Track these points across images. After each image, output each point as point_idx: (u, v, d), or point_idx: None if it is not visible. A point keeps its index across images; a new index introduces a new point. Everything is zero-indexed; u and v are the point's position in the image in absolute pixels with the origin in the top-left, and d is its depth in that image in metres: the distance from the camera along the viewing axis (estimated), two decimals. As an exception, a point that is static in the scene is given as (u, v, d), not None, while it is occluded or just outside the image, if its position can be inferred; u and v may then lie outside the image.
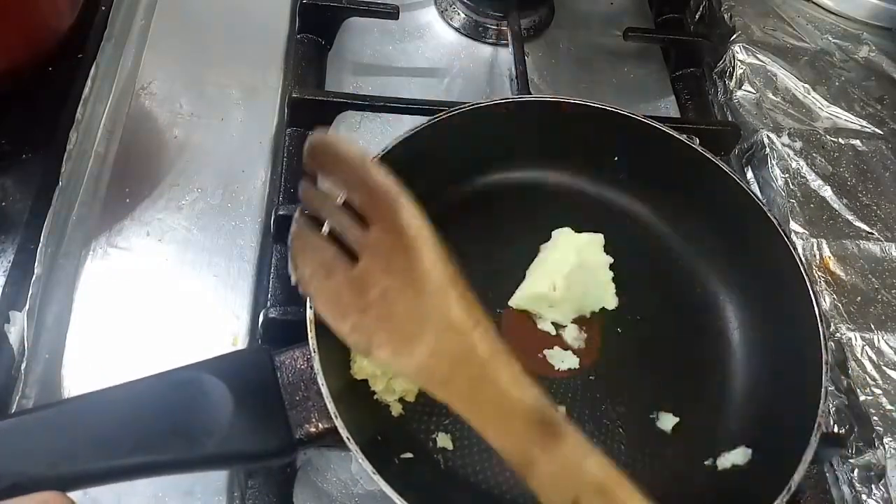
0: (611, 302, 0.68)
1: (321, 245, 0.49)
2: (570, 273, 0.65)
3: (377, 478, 0.49)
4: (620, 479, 0.41)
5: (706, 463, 0.61)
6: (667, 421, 0.62)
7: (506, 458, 0.43)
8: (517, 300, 0.67)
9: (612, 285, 0.68)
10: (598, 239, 0.68)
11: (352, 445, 0.50)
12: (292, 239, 0.51)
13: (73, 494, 0.55)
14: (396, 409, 0.60)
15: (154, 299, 0.66)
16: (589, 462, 0.41)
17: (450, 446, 0.59)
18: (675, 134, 0.71)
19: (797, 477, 0.54)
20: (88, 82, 0.73)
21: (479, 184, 0.74)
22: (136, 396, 0.50)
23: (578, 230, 0.70)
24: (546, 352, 0.65)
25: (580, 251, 0.66)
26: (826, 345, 0.60)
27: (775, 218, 0.67)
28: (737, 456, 0.60)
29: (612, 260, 0.68)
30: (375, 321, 0.46)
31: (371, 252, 0.47)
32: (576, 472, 0.40)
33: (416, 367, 0.45)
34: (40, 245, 0.63)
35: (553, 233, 0.69)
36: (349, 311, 0.48)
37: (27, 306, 0.60)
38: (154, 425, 0.48)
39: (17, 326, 0.59)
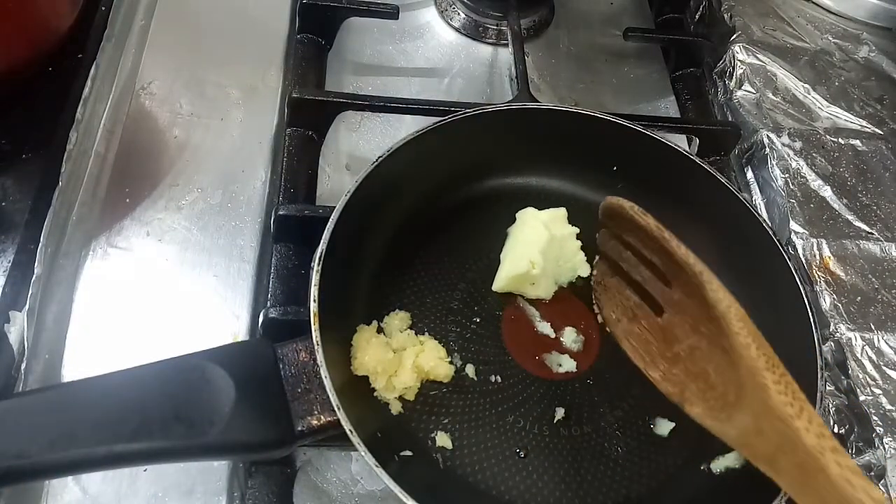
0: (584, 269, 0.69)
1: (624, 291, 0.52)
2: (545, 248, 0.66)
3: (379, 471, 0.50)
4: None
5: (702, 468, 0.61)
6: (663, 426, 0.63)
7: None
8: (500, 283, 0.68)
9: (582, 253, 0.69)
10: (562, 212, 0.70)
11: (354, 438, 0.50)
12: (595, 282, 0.56)
13: (72, 492, 0.55)
14: (396, 408, 0.60)
15: (154, 299, 0.66)
16: None
17: (449, 445, 0.59)
18: (672, 144, 0.72)
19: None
20: (88, 82, 0.73)
21: (478, 189, 0.74)
22: (138, 381, 0.50)
23: (578, 236, 0.70)
24: (544, 355, 0.66)
25: (548, 226, 0.67)
26: (820, 349, 0.60)
27: (769, 227, 0.67)
28: (730, 459, 0.60)
29: (577, 230, 0.69)
30: (686, 376, 0.48)
31: (677, 309, 0.49)
32: None
33: (737, 438, 0.46)
34: (40, 245, 0.63)
35: (517, 214, 0.70)
36: (658, 360, 0.51)
37: (27, 306, 0.60)
38: (156, 411, 0.48)
39: (17, 326, 0.59)
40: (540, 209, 0.71)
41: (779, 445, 0.43)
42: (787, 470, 0.43)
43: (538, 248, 0.66)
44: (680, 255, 0.49)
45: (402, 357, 0.60)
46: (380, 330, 0.63)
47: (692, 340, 0.48)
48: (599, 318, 0.67)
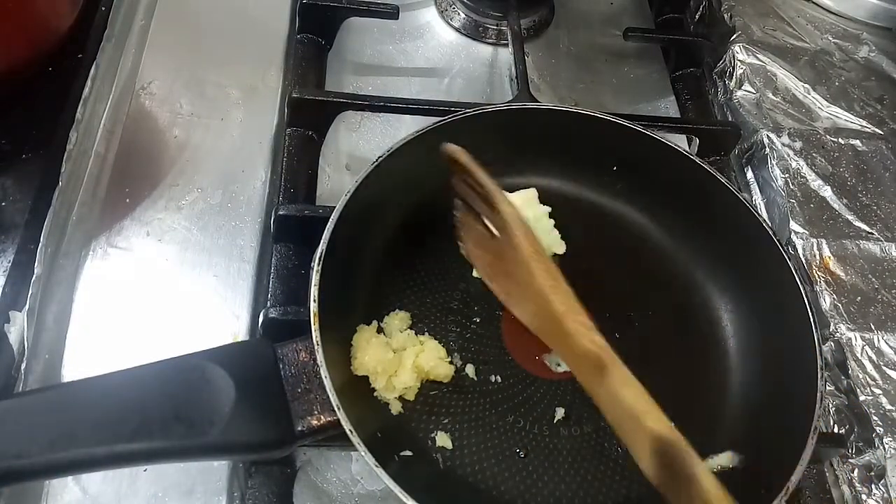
0: (559, 247, 0.70)
1: (474, 226, 0.63)
2: None
3: (379, 471, 0.50)
4: (649, 405, 0.51)
5: None
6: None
7: (581, 383, 0.55)
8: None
9: (556, 231, 0.70)
10: (532, 193, 0.70)
11: (354, 438, 0.50)
12: (457, 220, 0.65)
13: (72, 492, 0.55)
14: (396, 408, 0.60)
15: (154, 299, 0.66)
16: (624, 391, 0.51)
17: (449, 445, 0.59)
18: (672, 144, 0.72)
19: (795, 478, 0.54)
20: (88, 82, 0.73)
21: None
22: (138, 381, 0.50)
23: (577, 240, 0.70)
24: (544, 355, 0.65)
25: (521, 209, 0.67)
26: (820, 349, 0.60)
27: (769, 227, 0.67)
28: (723, 459, 0.60)
29: (549, 209, 0.69)
30: (510, 283, 0.61)
31: (501, 230, 0.60)
32: (616, 396, 0.51)
33: (531, 323, 0.59)
34: (40, 245, 0.63)
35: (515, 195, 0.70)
36: (498, 275, 0.62)
37: (27, 306, 0.60)
38: (156, 411, 0.48)
39: (17, 326, 0.59)
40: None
41: (545, 317, 0.56)
42: (555, 337, 0.56)
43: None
44: (480, 180, 0.59)
45: (402, 357, 0.60)
46: (380, 330, 0.63)
47: (510, 253, 0.59)
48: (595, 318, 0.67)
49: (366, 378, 0.59)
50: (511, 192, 0.74)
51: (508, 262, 0.59)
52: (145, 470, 0.57)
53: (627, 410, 0.51)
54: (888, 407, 0.66)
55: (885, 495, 0.63)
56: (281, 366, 0.54)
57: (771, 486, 0.54)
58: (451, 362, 0.63)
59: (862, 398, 0.67)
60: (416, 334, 0.63)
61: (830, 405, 0.68)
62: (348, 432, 0.51)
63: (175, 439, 0.48)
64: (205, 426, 0.48)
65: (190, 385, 0.50)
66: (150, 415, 0.48)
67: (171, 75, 0.80)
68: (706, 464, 0.60)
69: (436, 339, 0.64)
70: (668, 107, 0.93)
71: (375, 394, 0.60)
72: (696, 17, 1.02)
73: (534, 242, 0.58)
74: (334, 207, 0.61)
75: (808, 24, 1.00)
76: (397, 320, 0.64)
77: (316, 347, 0.53)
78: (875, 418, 0.65)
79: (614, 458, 0.61)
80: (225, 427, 0.48)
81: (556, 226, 0.72)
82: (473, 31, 0.95)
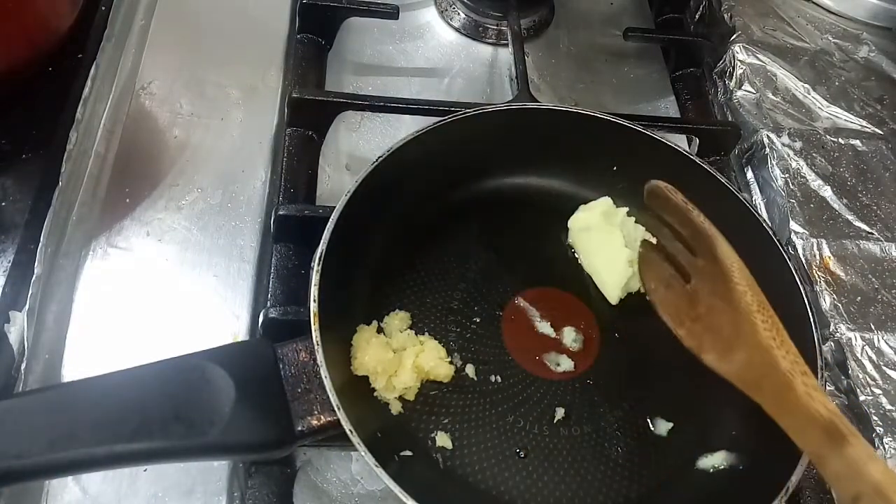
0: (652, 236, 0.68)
1: (661, 265, 0.63)
2: (626, 242, 0.68)
3: (379, 471, 0.50)
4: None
5: (700, 467, 0.61)
6: (662, 426, 0.63)
7: (804, 450, 0.52)
8: (617, 294, 0.69)
9: (639, 226, 0.70)
10: (607, 202, 0.71)
11: (354, 438, 0.50)
12: (640, 258, 0.66)
13: (72, 492, 0.55)
14: (396, 408, 0.60)
15: (154, 299, 0.66)
16: (870, 466, 0.45)
17: (449, 445, 0.59)
18: (672, 144, 0.71)
19: (795, 478, 0.54)
20: (88, 82, 0.73)
21: (479, 188, 0.74)
22: (138, 381, 0.50)
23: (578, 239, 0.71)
24: (543, 355, 0.66)
25: (609, 220, 0.70)
26: (820, 349, 0.60)
27: (769, 227, 0.67)
28: (716, 459, 0.61)
29: (626, 209, 0.71)
30: (704, 330, 0.58)
31: (700, 276, 0.59)
32: (859, 472, 0.45)
33: (735, 374, 0.55)
34: (40, 245, 0.63)
35: (570, 223, 0.72)
36: (685, 320, 0.60)
37: (27, 306, 0.60)
38: (156, 411, 0.48)
39: (17, 326, 0.59)
40: (544, 210, 0.72)
41: (763, 373, 0.52)
42: (769, 392, 0.52)
43: (621, 245, 0.68)
44: (698, 223, 0.58)
45: (402, 357, 0.60)
46: (380, 330, 0.63)
47: (711, 301, 0.57)
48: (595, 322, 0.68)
49: (366, 378, 0.59)
50: (510, 192, 0.75)
51: (709, 311, 0.57)
52: (145, 470, 0.57)
53: (873, 486, 0.45)
54: (888, 407, 0.66)
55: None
56: (281, 366, 0.54)
57: (771, 486, 0.54)
58: (451, 362, 0.63)
59: (862, 398, 0.67)
60: (416, 334, 0.63)
61: (830, 405, 0.68)
62: (348, 432, 0.51)
63: (175, 439, 0.48)
64: (205, 426, 0.48)
65: (190, 385, 0.50)
66: (150, 415, 0.48)
67: (171, 75, 0.80)
68: (699, 462, 0.61)
69: (436, 339, 0.64)
70: (668, 107, 0.93)
71: (375, 394, 0.60)
72: (696, 17, 1.02)
73: (758, 293, 0.55)
74: (334, 207, 0.61)
75: (808, 24, 1.00)
76: (397, 320, 0.64)
77: (316, 347, 0.53)
78: (875, 418, 0.65)
79: (614, 458, 0.61)
80: (225, 427, 0.48)
81: (555, 226, 0.72)
82: (473, 31, 0.95)
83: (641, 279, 0.65)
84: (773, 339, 0.52)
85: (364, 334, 0.61)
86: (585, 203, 0.73)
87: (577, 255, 0.72)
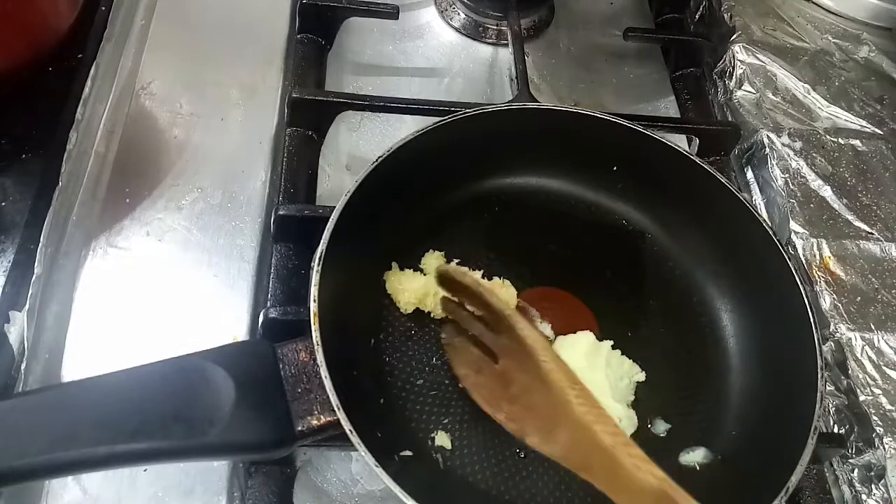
0: (640, 374, 0.64)
1: (468, 349, 0.60)
2: (610, 391, 0.61)
3: (379, 471, 0.50)
4: None
5: (699, 467, 0.61)
6: (661, 426, 0.63)
7: None
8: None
9: (626, 359, 0.64)
10: (588, 337, 0.64)
11: (354, 438, 0.50)
12: (444, 344, 0.62)
13: (72, 492, 0.55)
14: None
15: (154, 299, 0.66)
16: None
17: (448, 445, 0.59)
18: (672, 144, 0.71)
19: (794, 479, 0.54)
20: (88, 82, 0.73)
21: (479, 188, 0.74)
22: (138, 381, 0.50)
23: (577, 240, 0.71)
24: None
25: (592, 363, 0.62)
26: (820, 349, 0.60)
27: (769, 227, 0.67)
28: (697, 456, 0.61)
29: (610, 342, 0.64)
30: (523, 411, 0.55)
31: (506, 354, 0.57)
32: None
33: (562, 455, 0.53)
34: (40, 245, 0.63)
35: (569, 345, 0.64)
36: (501, 403, 0.57)
37: (27, 306, 0.60)
38: (156, 411, 0.48)
39: (17, 326, 0.59)
40: (544, 210, 0.72)
41: (588, 451, 0.50)
42: (598, 470, 0.50)
43: (607, 394, 0.60)
44: (493, 304, 0.57)
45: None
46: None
47: (523, 379, 0.55)
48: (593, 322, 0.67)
49: (366, 376, 0.59)
50: (510, 192, 0.75)
51: (524, 390, 0.55)
52: (145, 470, 0.57)
53: None
54: (888, 407, 0.66)
55: (885, 495, 0.63)
56: (281, 366, 0.53)
57: (771, 486, 0.54)
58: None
59: (862, 398, 0.67)
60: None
61: (830, 405, 0.68)
62: (348, 432, 0.51)
63: (175, 439, 0.48)
64: (205, 426, 0.48)
65: (190, 385, 0.50)
66: (150, 415, 0.48)
67: (171, 75, 0.80)
68: (680, 458, 0.61)
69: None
70: (668, 107, 0.93)
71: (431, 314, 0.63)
72: (696, 17, 1.02)
73: (565, 368, 0.53)
74: (334, 207, 0.61)
75: (808, 24, 1.00)
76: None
77: (316, 347, 0.53)
78: (875, 418, 0.65)
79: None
80: (225, 427, 0.48)
81: (555, 226, 0.72)
82: (473, 31, 0.95)
83: (450, 367, 0.62)
84: (590, 414, 0.50)
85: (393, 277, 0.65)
86: (584, 202, 0.72)
87: None
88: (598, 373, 0.61)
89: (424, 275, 0.67)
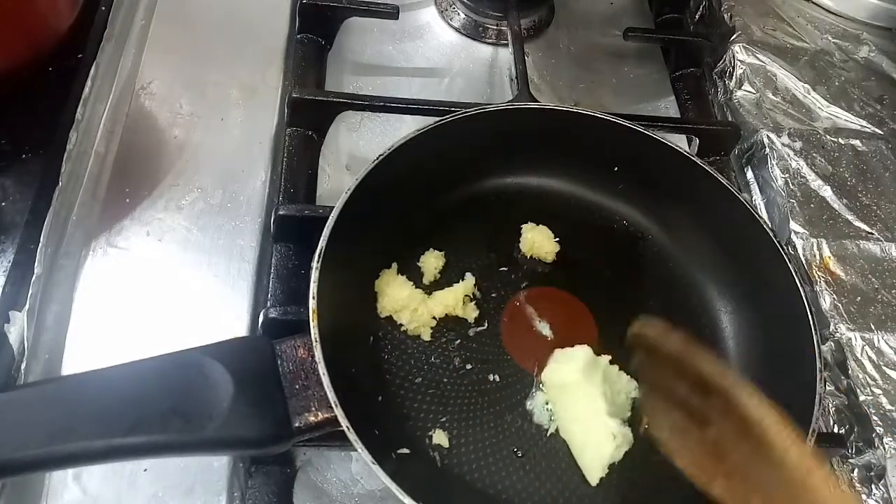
0: (635, 390, 0.63)
1: (670, 409, 0.53)
2: (608, 409, 0.59)
3: (376, 468, 0.50)
4: None
5: None
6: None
7: None
8: (599, 475, 0.59)
9: (623, 374, 0.63)
10: (585, 352, 0.62)
11: (352, 436, 0.50)
12: (642, 404, 0.58)
13: (72, 491, 0.55)
14: (427, 335, 0.64)
15: (154, 299, 0.66)
16: None
17: (446, 444, 0.59)
18: (672, 144, 0.71)
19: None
20: (88, 82, 0.73)
21: (479, 188, 0.74)
22: (136, 376, 0.50)
23: (577, 240, 0.71)
24: (542, 354, 0.65)
25: (588, 377, 0.60)
26: (820, 349, 0.60)
27: (769, 227, 0.67)
28: None
29: (608, 357, 0.63)
30: (745, 487, 0.48)
31: (718, 420, 0.49)
32: None
33: None
34: (40, 245, 0.63)
35: (544, 379, 0.63)
36: (716, 474, 0.49)
37: (27, 306, 0.60)
38: (154, 405, 0.48)
39: (17, 326, 0.59)
40: (544, 210, 0.72)
41: None
42: None
43: (603, 412, 0.59)
44: (709, 373, 0.50)
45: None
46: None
47: (743, 450, 0.48)
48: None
49: (364, 375, 0.59)
50: (510, 192, 0.75)
51: (745, 461, 0.47)
52: (145, 469, 0.57)
53: None
54: (888, 407, 0.66)
55: (885, 495, 0.63)
56: (279, 362, 0.54)
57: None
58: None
59: (862, 398, 0.66)
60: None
61: (830, 405, 0.68)
62: (346, 429, 0.51)
63: (173, 434, 0.48)
64: (203, 421, 0.48)
65: (188, 380, 0.50)
66: (149, 409, 0.48)
67: (171, 75, 0.80)
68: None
69: (435, 338, 0.64)
70: (668, 107, 0.93)
71: (403, 328, 0.62)
72: (696, 17, 1.02)
73: (806, 447, 0.46)
74: (334, 207, 0.61)
75: (808, 24, 1.00)
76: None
77: (314, 344, 0.53)
78: (875, 418, 0.65)
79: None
80: (222, 422, 0.48)
81: (556, 226, 0.72)
82: (473, 31, 0.95)
83: (649, 428, 0.56)
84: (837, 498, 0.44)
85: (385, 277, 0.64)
86: (584, 202, 0.72)
87: (552, 416, 0.62)
88: (595, 388, 0.59)
89: (423, 275, 0.68)
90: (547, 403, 0.62)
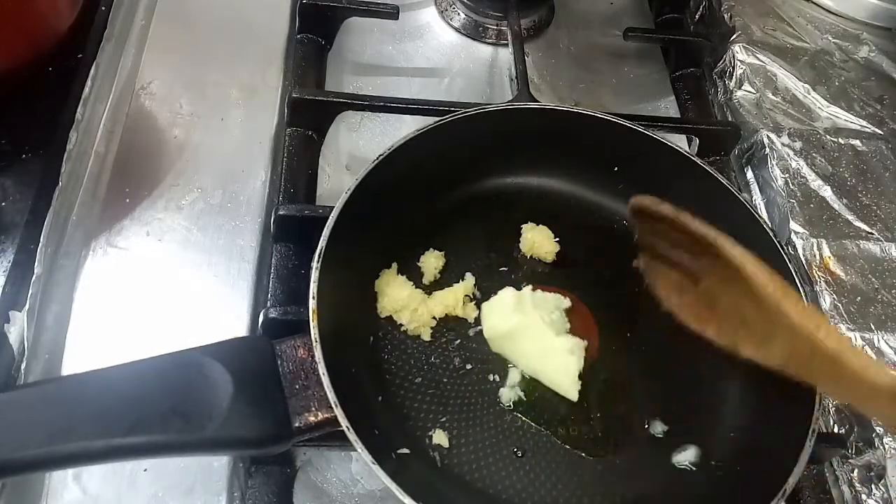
0: (564, 302, 0.67)
1: (667, 272, 0.62)
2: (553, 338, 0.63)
3: (376, 468, 0.50)
4: None
5: (695, 467, 0.61)
6: (659, 427, 0.63)
7: (881, 422, 0.55)
8: (575, 390, 0.62)
9: (545, 294, 0.66)
10: (509, 293, 0.64)
11: (351, 436, 0.50)
12: (647, 271, 0.65)
13: (72, 492, 0.55)
14: (427, 335, 0.64)
15: (154, 299, 0.66)
16: None
17: (446, 444, 0.59)
18: (672, 144, 0.71)
19: (792, 480, 0.54)
20: (88, 82, 0.74)
21: (479, 188, 0.74)
22: (136, 376, 0.50)
23: (577, 240, 0.71)
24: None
25: (524, 312, 0.63)
26: None
27: (769, 227, 0.67)
28: (689, 455, 0.61)
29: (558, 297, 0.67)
30: (734, 326, 0.57)
31: (708, 274, 0.59)
32: None
33: (781, 362, 0.55)
34: (40, 245, 0.63)
35: (485, 334, 0.65)
36: (710, 321, 0.60)
37: (27, 306, 0.60)
38: (154, 405, 0.48)
39: (17, 326, 0.59)
40: (544, 210, 0.73)
41: (810, 357, 0.51)
42: (822, 375, 0.52)
43: (551, 335, 0.62)
44: (696, 230, 0.58)
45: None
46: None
47: (728, 296, 0.56)
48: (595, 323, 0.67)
49: (364, 374, 0.59)
50: (510, 192, 0.75)
51: (732, 307, 0.57)
52: (145, 470, 0.57)
53: None
54: (888, 407, 0.66)
55: (885, 495, 0.63)
56: (279, 362, 0.54)
57: (769, 486, 0.54)
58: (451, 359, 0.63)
59: (862, 398, 0.66)
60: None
61: (830, 405, 0.68)
62: (345, 429, 0.51)
63: (172, 434, 0.48)
64: (202, 421, 0.48)
65: (188, 380, 0.50)
66: (148, 409, 0.48)
67: (171, 75, 0.80)
68: (673, 458, 0.61)
69: (434, 338, 0.64)
70: (668, 107, 0.93)
71: (403, 328, 0.63)
72: (696, 17, 1.02)
73: (777, 280, 0.54)
74: (334, 207, 0.61)
75: (808, 24, 1.00)
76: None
77: (314, 344, 0.53)
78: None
79: (611, 458, 0.61)
80: (222, 422, 0.49)
81: (555, 226, 0.72)
82: (473, 31, 0.95)
83: (654, 291, 0.64)
84: (810, 321, 0.51)
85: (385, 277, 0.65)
86: (584, 202, 0.72)
87: (512, 364, 0.64)
88: (532, 319, 0.63)
89: (423, 275, 0.68)
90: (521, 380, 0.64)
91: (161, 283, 0.67)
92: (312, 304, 0.55)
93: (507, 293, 0.65)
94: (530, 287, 0.66)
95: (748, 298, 0.54)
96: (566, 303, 0.67)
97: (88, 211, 0.69)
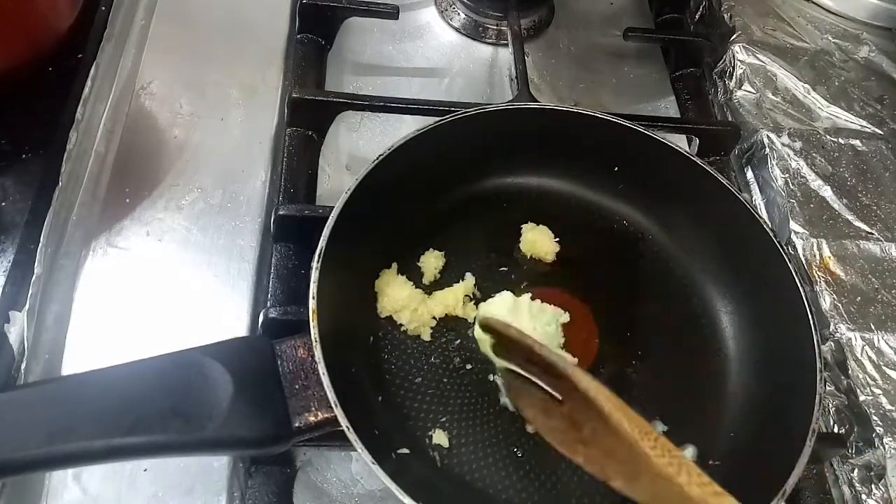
0: (564, 316, 0.66)
1: (532, 392, 0.57)
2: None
3: (376, 468, 0.50)
4: None
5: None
6: (659, 427, 0.63)
7: None
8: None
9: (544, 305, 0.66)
10: (507, 297, 0.65)
11: (351, 436, 0.50)
12: (509, 392, 0.60)
13: (72, 491, 0.55)
14: (427, 335, 0.64)
15: (154, 299, 0.66)
16: None
17: (445, 444, 0.59)
18: (672, 144, 0.71)
19: (792, 480, 0.54)
20: (88, 82, 0.74)
21: (479, 188, 0.74)
22: (136, 376, 0.50)
23: (577, 240, 0.71)
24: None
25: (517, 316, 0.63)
26: (820, 349, 0.60)
27: (769, 227, 0.67)
28: (688, 454, 0.60)
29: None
30: (601, 455, 0.52)
31: (570, 396, 0.54)
32: None
33: (650, 501, 0.50)
34: (40, 245, 0.63)
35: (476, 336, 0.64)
36: (577, 446, 0.54)
37: (27, 306, 0.60)
38: (154, 405, 0.48)
39: (17, 326, 0.59)
40: (544, 211, 0.72)
41: (677, 500, 0.47)
42: None
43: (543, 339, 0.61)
44: (546, 357, 0.54)
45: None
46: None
47: (592, 422, 0.52)
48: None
49: (364, 374, 0.59)
50: (510, 192, 0.75)
51: (596, 434, 0.52)
52: (145, 470, 0.57)
53: None
54: (888, 407, 0.66)
55: (885, 495, 0.63)
56: (279, 362, 0.54)
57: (769, 487, 0.54)
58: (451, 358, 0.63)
59: (862, 398, 0.67)
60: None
61: (830, 405, 0.68)
62: (345, 429, 0.51)
63: (172, 434, 0.48)
64: (202, 421, 0.48)
65: (188, 380, 0.50)
66: (148, 409, 0.48)
67: (171, 75, 0.80)
68: None
69: (434, 338, 0.64)
70: (668, 107, 0.93)
71: (403, 328, 0.63)
72: (696, 17, 1.02)
73: (634, 417, 0.50)
74: (334, 207, 0.61)
75: (808, 24, 1.00)
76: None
77: (314, 344, 0.53)
78: (875, 418, 0.65)
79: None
80: (222, 422, 0.49)
81: (555, 226, 0.72)
82: (473, 31, 0.95)
83: (518, 410, 0.60)
84: (670, 465, 0.48)
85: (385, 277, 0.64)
86: (584, 202, 0.72)
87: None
88: (522, 326, 0.61)
89: (423, 275, 0.68)
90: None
91: (161, 283, 0.67)
92: (312, 304, 0.55)
93: (506, 297, 0.64)
94: (529, 296, 0.65)
95: (609, 430, 0.50)
96: (565, 317, 0.65)
97: (88, 211, 0.69)
